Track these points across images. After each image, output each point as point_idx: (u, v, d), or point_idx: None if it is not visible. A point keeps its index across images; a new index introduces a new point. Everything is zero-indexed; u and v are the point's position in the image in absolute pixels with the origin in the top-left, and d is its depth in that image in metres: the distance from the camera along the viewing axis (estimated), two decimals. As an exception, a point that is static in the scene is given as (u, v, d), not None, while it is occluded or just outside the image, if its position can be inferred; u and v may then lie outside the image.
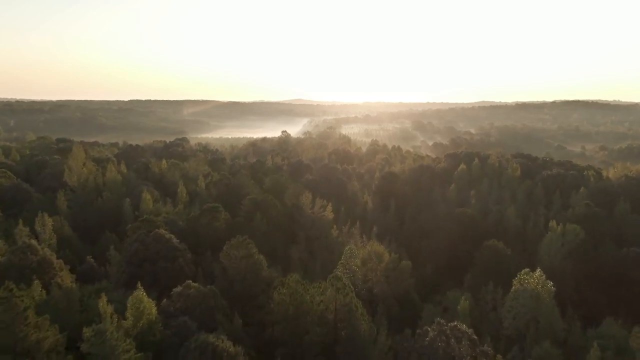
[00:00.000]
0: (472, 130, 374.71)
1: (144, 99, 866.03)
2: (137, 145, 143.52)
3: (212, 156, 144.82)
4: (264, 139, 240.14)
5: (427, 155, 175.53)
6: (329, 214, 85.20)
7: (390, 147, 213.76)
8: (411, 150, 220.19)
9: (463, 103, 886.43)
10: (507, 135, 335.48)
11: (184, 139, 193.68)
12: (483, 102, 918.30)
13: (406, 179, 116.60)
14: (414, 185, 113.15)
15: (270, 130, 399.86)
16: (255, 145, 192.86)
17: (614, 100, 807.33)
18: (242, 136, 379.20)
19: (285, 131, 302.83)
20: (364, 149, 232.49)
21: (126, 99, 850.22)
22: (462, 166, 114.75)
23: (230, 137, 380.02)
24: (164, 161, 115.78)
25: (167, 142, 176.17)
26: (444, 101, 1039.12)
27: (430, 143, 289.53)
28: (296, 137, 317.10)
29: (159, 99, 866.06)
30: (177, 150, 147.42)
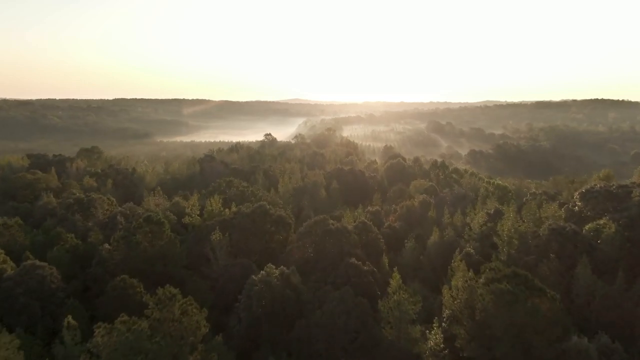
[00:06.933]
0: (508, 133, 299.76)
1: (129, 97, 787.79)
2: None
3: (89, 197, 70.71)
4: (235, 147, 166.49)
5: (506, 183, 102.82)
6: None
7: (407, 154, 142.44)
8: (450, 163, 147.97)
9: (467, 103, 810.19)
10: (555, 139, 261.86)
11: (95, 148, 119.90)
12: (488, 101, 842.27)
13: (531, 269, 42.83)
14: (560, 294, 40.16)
15: (258, 132, 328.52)
16: (207, 162, 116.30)
17: (622, 99, 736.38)
18: (219, 140, 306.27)
19: (270, 134, 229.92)
20: (378, 160, 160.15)
21: (112, 97, 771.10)
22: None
23: (204, 140, 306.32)
24: None
25: (51, 156, 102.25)
26: (447, 101, 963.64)
27: (464, 152, 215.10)
28: (285, 141, 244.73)
29: (154, 98, 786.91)
30: (30, 180, 73.46)
